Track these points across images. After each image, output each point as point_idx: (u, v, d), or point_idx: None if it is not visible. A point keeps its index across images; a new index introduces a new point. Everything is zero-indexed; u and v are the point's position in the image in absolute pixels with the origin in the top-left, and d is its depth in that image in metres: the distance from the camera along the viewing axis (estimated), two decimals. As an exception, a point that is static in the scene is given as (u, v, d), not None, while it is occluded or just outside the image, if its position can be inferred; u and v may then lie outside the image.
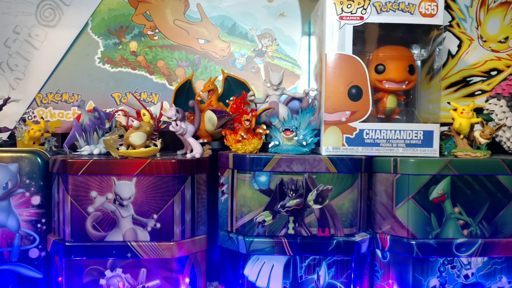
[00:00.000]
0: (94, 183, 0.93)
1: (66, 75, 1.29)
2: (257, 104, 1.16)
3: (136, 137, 0.99)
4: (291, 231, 0.96)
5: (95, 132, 1.10)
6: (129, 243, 0.94)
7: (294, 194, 0.95)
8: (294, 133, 1.00)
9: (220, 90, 1.21)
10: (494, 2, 1.29)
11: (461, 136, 1.03)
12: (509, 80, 1.19)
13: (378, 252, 1.00)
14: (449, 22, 1.30)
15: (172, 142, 1.24)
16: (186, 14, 1.31)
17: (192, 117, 1.11)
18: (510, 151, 1.13)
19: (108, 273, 0.94)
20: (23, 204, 0.99)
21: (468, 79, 1.30)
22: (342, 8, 1.00)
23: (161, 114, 1.06)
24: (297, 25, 1.31)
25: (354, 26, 1.00)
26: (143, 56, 1.30)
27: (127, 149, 0.99)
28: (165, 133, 1.14)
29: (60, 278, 0.95)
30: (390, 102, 1.08)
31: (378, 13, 1.00)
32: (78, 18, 1.29)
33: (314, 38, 1.23)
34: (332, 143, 1.01)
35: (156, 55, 1.30)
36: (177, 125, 1.00)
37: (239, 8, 1.31)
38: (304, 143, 1.00)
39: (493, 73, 1.30)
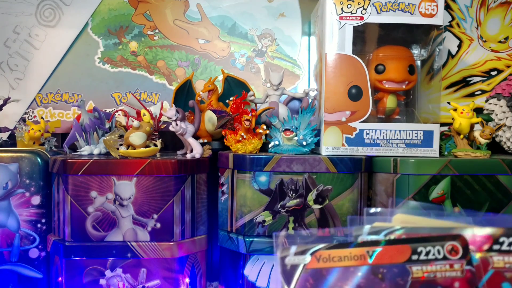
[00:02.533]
0: (94, 183, 0.93)
1: (66, 75, 1.29)
2: (257, 104, 1.16)
3: (136, 137, 0.99)
4: (291, 231, 0.96)
5: (95, 132, 1.10)
6: (129, 243, 0.94)
7: (294, 194, 0.95)
8: (294, 133, 1.00)
9: (220, 90, 1.21)
10: (494, 2, 1.29)
11: (461, 136, 1.03)
12: (509, 80, 1.19)
13: (378, 252, 1.00)
14: (449, 22, 1.30)
15: (172, 142, 1.24)
16: (186, 14, 1.31)
17: (192, 117, 1.11)
18: (510, 151, 1.13)
19: (108, 273, 0.94)
20: (23, 204, 0.99)
21: (468, 79, 1.30)
22: (342, 8, 1.00)
23: (161, 114, 1.06)
24: (297, 25, 1.31)
25: (354, 26, 1.00)
26: (143, 56, 1.30)
27: (127, 149, 0.99)
28: (165, 133, 1.14)
29: (60, 278, 0.95)
30: (390, 102, 1.08)
31: (378, 13, 1.00)
32: (78, 18, 1.29)
33: (314, 38, 1.23)
34: (332, 143, 1.01)
35: (156, 55, 1.30)
36: (177, 125, 1.00)
37: (239, 8, 1.31)
38: (304, 143, 1.00)
39: (493, 73, 1.30)
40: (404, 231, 0.43)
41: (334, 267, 0.41)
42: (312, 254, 0.41)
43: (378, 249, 0.40)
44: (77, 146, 1.10)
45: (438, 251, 0.39)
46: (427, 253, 0.39)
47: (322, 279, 0.40)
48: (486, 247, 0.40)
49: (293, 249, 0.41)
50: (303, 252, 0.41)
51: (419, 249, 0.39)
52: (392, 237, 0.44)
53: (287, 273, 0.40)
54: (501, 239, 0.38)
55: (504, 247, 0.38)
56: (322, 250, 0.41)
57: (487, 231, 0.41)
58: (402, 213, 0.53)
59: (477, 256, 0.41)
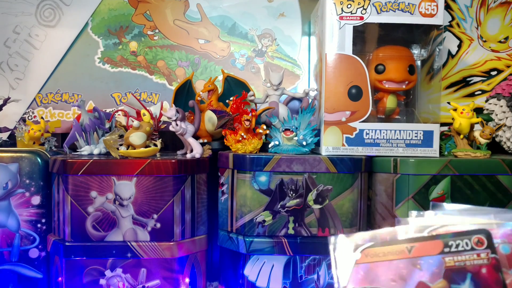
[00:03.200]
0: (94, 183, 0.93)
1: (66, 75, 1.29)
2: (257, 104, 1.16)
3: (136, 137, 0.99)
4: (291, 231, 0.96)
5: (95, 132, 1.10)
6: (129, 243, 0.94)
7: (294, 194, 0.95)
8: (294, 133, 1.00)
9: (220, 90, 1.21)
10: (494, 2, 1.29)
11: (461, 136, 1.03)
12: (509, 80, 1.19)
13: (378, 252, 1.00)
14: (449, 22, 1.30)
15: (172, 142, 1.24)
16: (186, 14, 1.31)
17: (192, 117, 1.11)
18: (510, 151, 1.13)
19: (108, 273, 0.94)
20: (23, 204, 0.99)
21: (468, 79, 1.30)
22: (342, 8, 1.00)
23: (161, 114, 1.06)
24: (297, 25, 1.31)
25: (354, 26, 1.00)
26: (143, 56, 1.30)
27: (127, 149, 0.99)
28: (165, 133, 1.14)
29: (60, 278, 0.95)
30: (390, 102, 1.08)
31: (378, 13, 1.00)
32: (78, 18, 1.29)
33: (314, 38, 1.23)
34: (332, 143, 1.01)
35: (156, 55, 1.31)
36: (177, 125, 1.00)
37: (239, 8, 1.31)
38: (304, 143, 1.00)
39: (493, 73, 1.30)
40: (444, 229, 0.50)
41: (380, 261, 0.50)
42: (361, 251, 0.51)
43: (415, 245, 0.49)
44: (77, 146, 1.10)
45: (467, 244, 0.47)
46: (457, 246, 0.47)
47: (371, 271, 0.50)
48: None
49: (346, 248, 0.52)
50: (354, 250, 0.51)
51: (450, 243, 0.47)
52: (434, 233, 0.53)
53: (341, 268, 0.50)
54: None
55: None
56: (369, 248, 0.51)
57: None
58: (442, 214, 0.60)
59: (509, 247, 0.49)
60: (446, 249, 0.48)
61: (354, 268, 0.50)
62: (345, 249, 0.52)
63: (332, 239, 0.53)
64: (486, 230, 0.46)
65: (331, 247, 0.53)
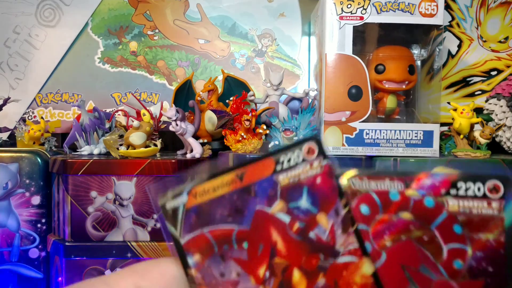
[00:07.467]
0: (94, 183, 0.93)
1: (66, 75, 1.29)
2: (257, 104, 1.16)
3: (136, 137, 0.99)
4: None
5: (95, 132, 1.10)
6: (129, 243, 0.94)
7: (294, 194, 0.95)
8: (294, 133, 1.00)
9: (220, 90, 1.21)
10: (494, 2, 1.29)
11: (461, 136, 1.03)
12: (509, 80, 1.19)
13: (378, 252, 1.00)
14: (449, 22, 1.30)
15: (172, 142, 1.24)
16: (186, 14, 1.31)
17: (192, 117, 1.11)
18: (510, 151, 1.13)
19: (108, 273, 0.94)
20: (23, 204, 0.99)
21: (468, 79, 1.30)
22: (342, 8, 1.00)
23: (161, 114, 1.06)
24: (297, 25, 1.31)
25: (354, 26, 1.00)
26: (143, 56, 1.30)
27: (127, 149, 0.99)
28: (165, 133, 1.14)
29: (60, 278, 0.95)
30: (390, 102, 1.08)
31: (378, 13, 1.00)
32: (78, 18, 1.29)
33: (314, 38, 1.23)
34: (332, 143, 1.01)
35: (156, 55, 1.30)
36: (177, 125, 1.00)
37: (239, 8, 1.31)
38: (304, 143, 1.00)
39: (493, 73, 1.30)
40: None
41: (211, 199, 0.42)
42: (188, 193, 0.42)
43: (246, 170, 0.42)
44: (77, 146, 1.10)
45: (298, 156, 0.42)
46: (289, 160, 0.42)
47: (203, 213, 0.41)
48: (443, 191, 0.42)
49: (170, 193, 0.41)
50: (180, 194, 0.41)
51: (281, 159, 0.42)
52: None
53: (172, 219, 0.41)
54: (459, 184, 0.41)
55: (461, 192, 0.40)
56: (197, 187, 0.42)
57: (444, 176, 0.42)
58: None
59: (434, 200, 0.43)
60: (278, 167, 0.42)
61: (184, 215, 0.41)
62: (170, 194, 0.42)
63: (150, 187, 0.44)
64: (314, 136, 0.43)
65: (152, 199, 0.43)
